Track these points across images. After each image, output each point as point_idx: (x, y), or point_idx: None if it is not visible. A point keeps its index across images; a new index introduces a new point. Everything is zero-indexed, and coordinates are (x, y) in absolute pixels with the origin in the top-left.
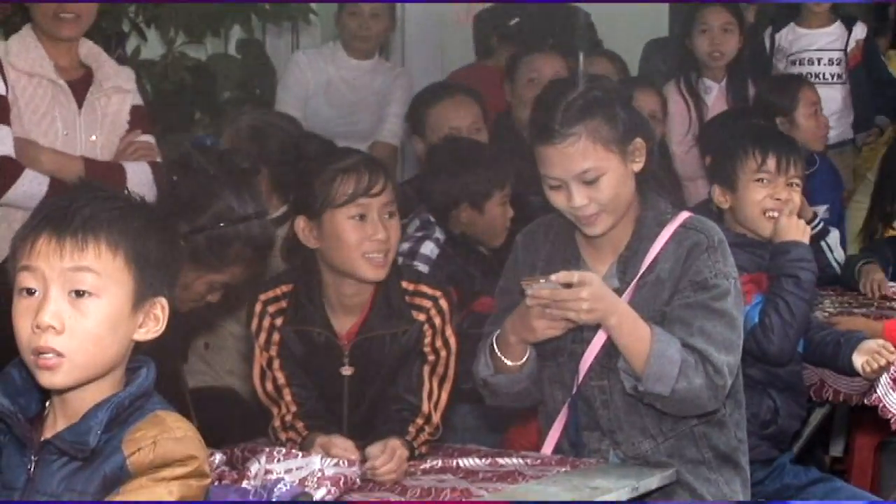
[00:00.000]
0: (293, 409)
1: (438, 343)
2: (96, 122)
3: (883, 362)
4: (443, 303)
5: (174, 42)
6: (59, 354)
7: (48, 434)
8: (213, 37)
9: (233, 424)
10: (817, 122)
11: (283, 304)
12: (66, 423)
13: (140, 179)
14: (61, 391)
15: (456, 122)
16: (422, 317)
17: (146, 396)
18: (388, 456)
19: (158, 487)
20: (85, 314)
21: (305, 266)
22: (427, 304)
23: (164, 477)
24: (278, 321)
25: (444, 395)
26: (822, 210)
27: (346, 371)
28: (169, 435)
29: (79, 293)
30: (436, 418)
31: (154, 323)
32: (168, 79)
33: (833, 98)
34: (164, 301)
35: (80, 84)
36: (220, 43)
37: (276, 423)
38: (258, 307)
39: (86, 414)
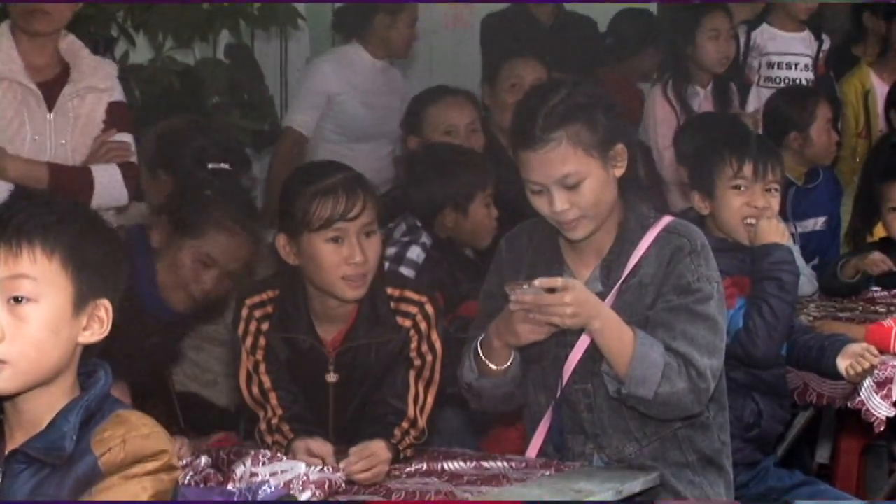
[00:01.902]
0: (279, 412)
1: (424, 348)
2: (67, 124)
3: (867, 366)
4: (428, 308)
5: (162, 47)
6: (2, 362)
7: (9, 445)
8: (201, 42)
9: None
10: (829, 137)
11: (269, 309)
12: (24, 433)
13: (109, 182)
14: (8, 397)
15: (454, 122)
16: (407, 323)
17: (105, 398)
18: (357, 456)
19: (131, 484)
20: (25, 320)
21: (291, 274)
22: (413, 309)
23: (135, 473)
24: (264, 326)
25: (430, 400)
26: (820, 222)
27: (332, 378)
28: (137, 433)
29: (17, 299)
30: (421, 422)
31: (98, 325)
32: (156, 83)
33: None
34: (107, 303)
35: (55, 84)
36: (208, 48)
37: (262, 426)
38: (245, 312)
39: (54, 420)
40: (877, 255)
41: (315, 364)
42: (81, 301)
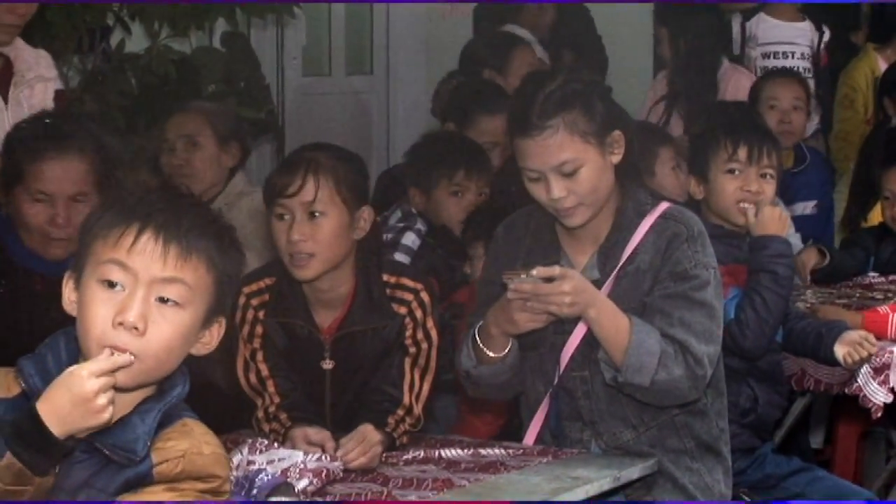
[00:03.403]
0: (276, 400)
1: (420, 335)
2: (23, 115)
3: (864, 354)
4: (424, 296)
5: (158, 35)
6: (133, 356)
7: None
8: (197, 30)
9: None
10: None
11: (266, 297)
12: None
13: None
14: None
15: (496, 139)
16: (403, 310)
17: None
18: (355, 441)
19: (174, 496)
20: (167, 321)
21: None
22: (408, 296)
23: (183, 489)
24: (261, 314)
25: (426, 387)
26: (809, 206)
27: (327, 365)
28: (198, 450)
29: (163, 300)
30: (417, 410)
31: (209, 339)
32: (152, 72)
33: None
34: (223, 320)
35: (2, 77)
36: (204, 36)
37: (260, 414)
38: (241, 300)
39: (129, 419)
40: (805, 256)
41: (311, 351)
42: (211, 316)
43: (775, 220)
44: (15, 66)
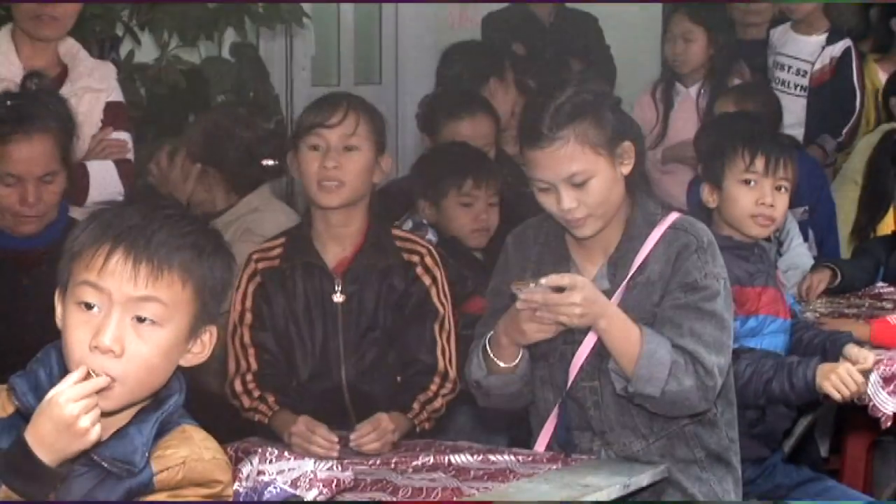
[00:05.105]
0: (254, 368)
1: (442, 297)
2: None
3: (853, 388)
4: (436, 255)
5: (168, 46)
6: (112, 379)
7: None
8: (206, 40)
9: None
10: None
11: (273, 253)
12: None
13: (103, 178)
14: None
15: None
16: (414, 258)
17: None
18: (370, 426)
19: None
20: (145, 340)
21: (302, 217)
22: (421, 249)
23: (186, 496)
24: (261, 265)
25: (454, 349)
26: (798, 212)
27: (338, 298)
28: (198, 456)
29: (141, 319)
30: (452, 373)
31: (200, 348)
32: (162, 82)
33: (790, 108)
34: (213, 329)
35: (53, 85)
36: (213, 46)
37: (237, 384)
38: (245, 260)
39: (126, 431)
40: (818, 277)
41: (321, 287)
42: (196, 327)
43: (846, 380)
44: (69, 75)
